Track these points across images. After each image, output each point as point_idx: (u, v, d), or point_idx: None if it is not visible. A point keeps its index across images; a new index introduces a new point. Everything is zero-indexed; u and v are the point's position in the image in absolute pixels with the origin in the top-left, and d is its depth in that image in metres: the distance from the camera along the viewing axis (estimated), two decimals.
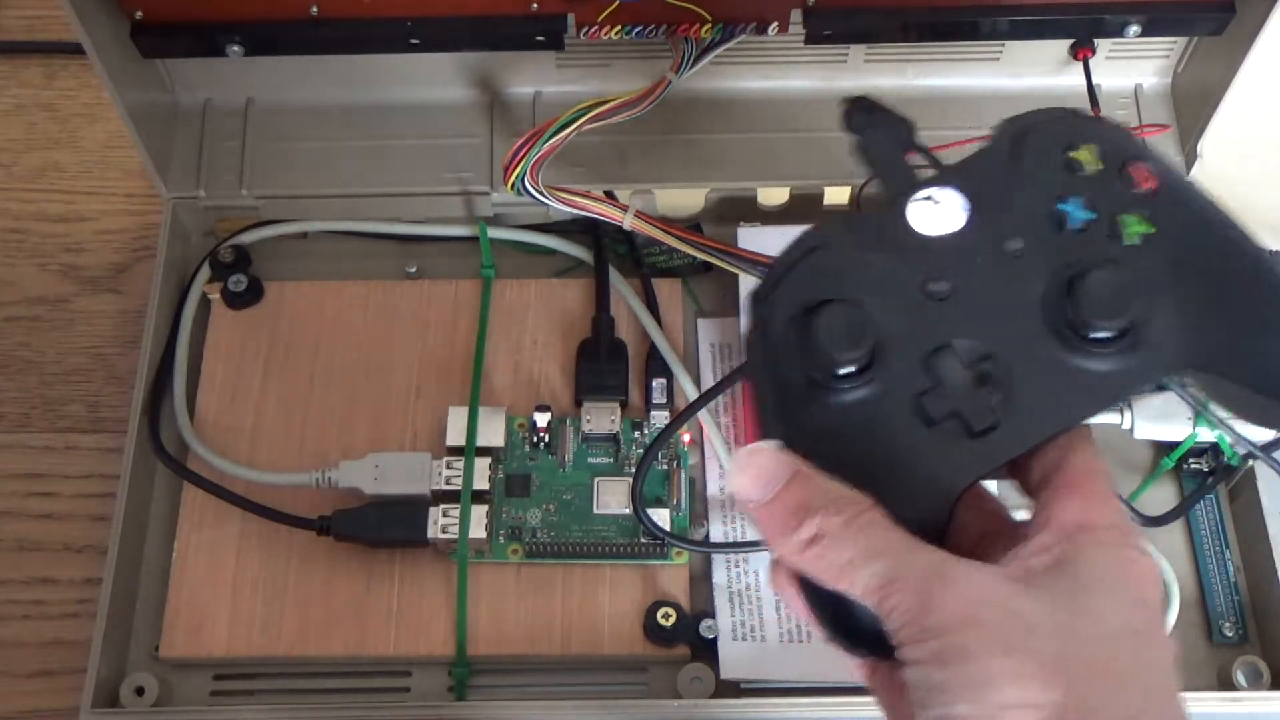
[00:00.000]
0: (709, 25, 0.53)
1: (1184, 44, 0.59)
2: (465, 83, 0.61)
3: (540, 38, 0.54)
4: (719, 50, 0.54)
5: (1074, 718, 0.29)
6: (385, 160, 0.60)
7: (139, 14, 0.53)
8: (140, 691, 0.51)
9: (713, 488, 0.55)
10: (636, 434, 0.55)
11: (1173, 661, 0.32)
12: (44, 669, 0.55)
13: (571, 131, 0.53)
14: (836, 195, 0.60)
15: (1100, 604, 0.31)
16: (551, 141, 0.52)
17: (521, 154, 0.53)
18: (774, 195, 0.60)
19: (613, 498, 0.54)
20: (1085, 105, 0.58)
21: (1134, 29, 0.55)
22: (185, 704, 0.52)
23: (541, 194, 0.54)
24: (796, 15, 0.53)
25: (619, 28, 0.52)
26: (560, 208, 0.55)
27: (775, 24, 0.53)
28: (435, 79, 0.60)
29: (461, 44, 0.56)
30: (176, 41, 0.55)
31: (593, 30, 0.52)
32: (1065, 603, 0.31)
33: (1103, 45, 0.59)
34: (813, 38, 0.54)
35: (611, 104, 0.53)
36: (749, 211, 0.60)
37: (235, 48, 0.54)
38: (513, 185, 0.53)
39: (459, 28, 0.54)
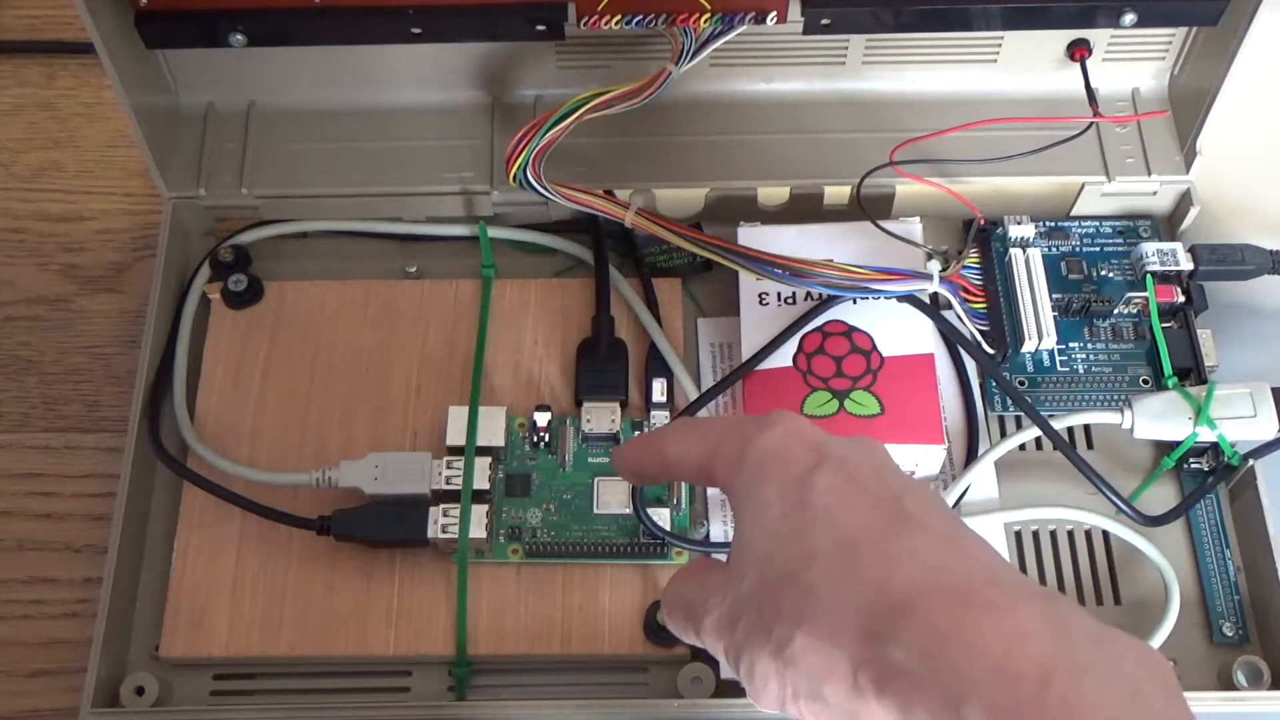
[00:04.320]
0: (708, 16, 0.53)
1: (1180, 43, 0.59)
2: (466, 84, 0.61)
3: (541, 27, 0.54)
4: (719, 42, 0.54)
5: (746, 600, 0.35)
6: (385, 160, 0.60)
7: (144, 1, 0.53)
8: (140, 691, 0.51)
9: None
10: (636, 434, 0.56)
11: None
12: (44, 669, 0.55)
13: (572, 122, 0.53)
14: (836, 195, 0.60)
15: (747, 519, 0.36)
16: (553, 132, 0.52)
17: (523, 144, 0.53)
18: (774, 195, 0.60)
19: (613, 498, 0.54)
20: (1084, 107, 0.58)
21: (1130, 17, 0.55)
22: (185, 704, 0.52)
23: (543, 187, 0.54)
24: (795, 6, 0.53)
25: (619, 17, 0.52)
26: (562, 202, 0.56)
27: (774, 14, 0.53)
28: (436, 80, 0.60)
29: (463, 33, 0.56)
30: (180, 31, 0.55)
31: (593, 20, 0.53)
32: (735, 542, 0.37)
33: (1099, 46, 0.59)
34: (811, 28, 0.54)
35: (612, 94, 0.53)
36: (749, 211, 0.60)
37: (238, 37, 0.54)
38: (514, 177, 0.53)
39: (460, 17, 0.54)
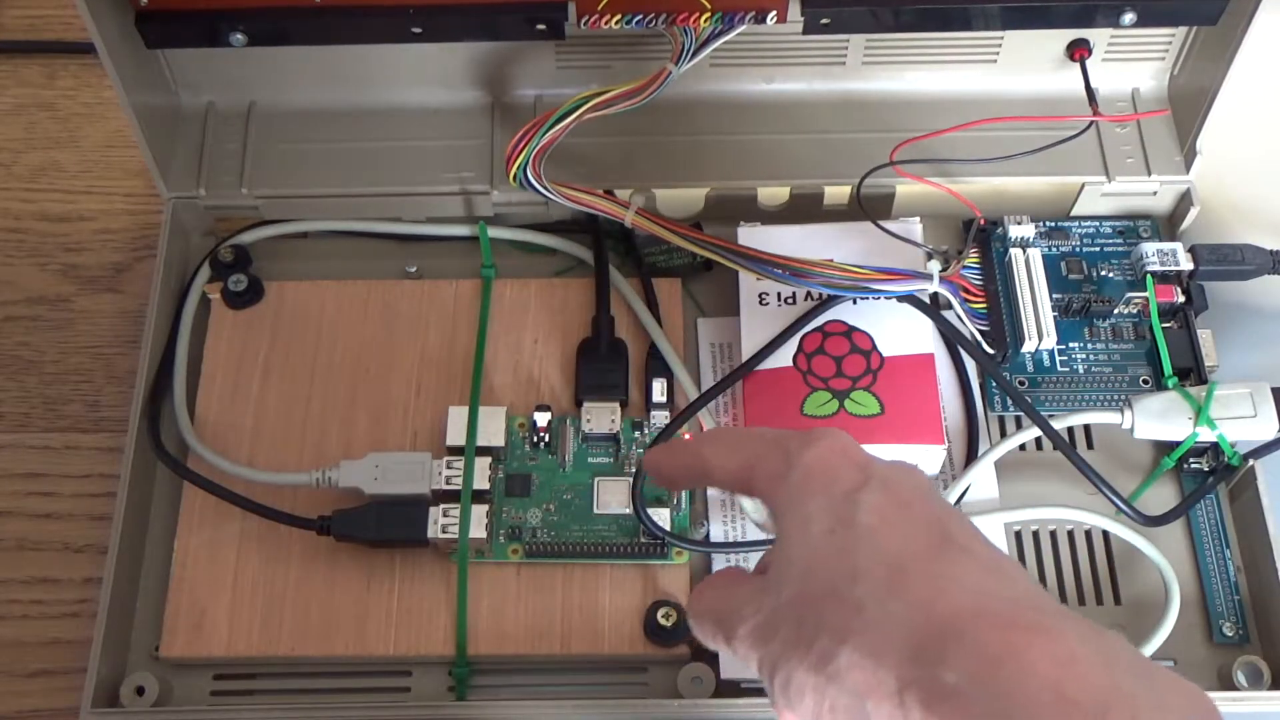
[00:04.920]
0: (708, 15, 0.53)
1: (1180, 43, 0.59)
2: (467, 85, 0.61)
3: (541, 27, 0.54)
4: (719, 42, 0.54)
5: (786, 612, 0.35)
6: (385, 160, 0.60)
7: (144, 1, 0.53)
8: (140, 691, 0.51)
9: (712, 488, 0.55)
10: (636, 434, 0.56)
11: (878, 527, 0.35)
12: (44, 669, 0.55)
13: (572, 122, 0.53)
14: (836, 195, 0.60)
15: (790, 533, 0.37)
16: (553, 131, 0.53)
17: (523, 144, 0.53)
18: (774, 195, 0.60)
19: (613, 498, 0.54)
20: (1084, 107, 0.58)
21: (1129, 17, 0.55)
22: (185, 704, 0.52)
23: (543, 187, 0.54)
24: (795, 6, 0.53)
25: (619, 17, 0.53)
26: (562, 202, 0.56)
27: (774, 14, 0.53)
28: (436, 80, 0.60)
29: (463, 33, 0.56)
30: (180, 31, 0.55)
31: (593, 19, 0.53)
32: (777, 554, 0.37)
33: (1099, 46, 0.59)
34: (811, 28, 0.54)
35: (612, 94, 0.53)
36: (749, 211, 0.60)
37: (238, 37, 0.54)
38: (514, 176, 0.53)
39: (460, 16, 0.54)
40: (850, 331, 0.55)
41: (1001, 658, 0.31)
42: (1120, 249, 0.59)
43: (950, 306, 0.56)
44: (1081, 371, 0.57)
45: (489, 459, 0.53)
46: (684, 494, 0.54)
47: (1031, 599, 0.33)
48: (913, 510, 0.35)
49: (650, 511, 0.52)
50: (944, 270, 0.55)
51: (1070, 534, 0.55)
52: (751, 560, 0.53)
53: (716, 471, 0.40)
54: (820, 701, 0.34)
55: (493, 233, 0.60)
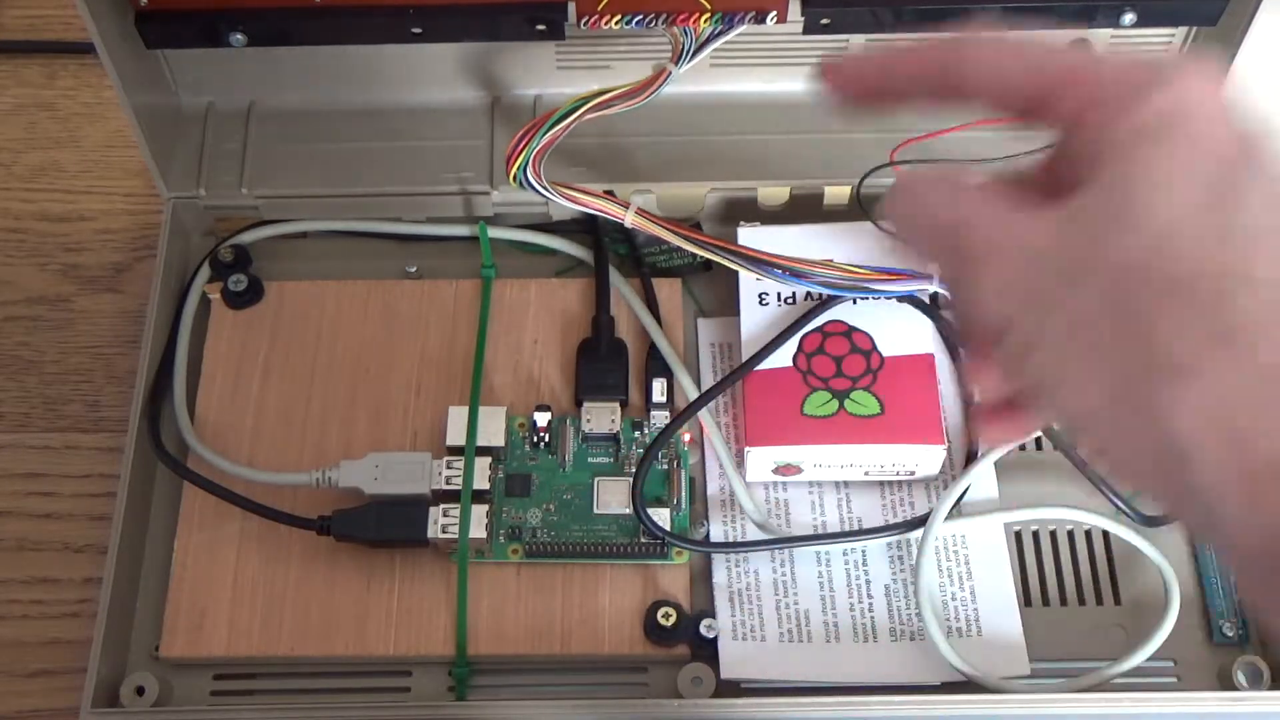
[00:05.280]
0: (708, 16, 0.53)
1: (1181, 44, 0.59)
2: (466, 85, 0.61)
3: (541, 27, 0.54)
4: (719, 42, 0.54)
5: (1111, 276, 0.27)
6: (385, 160, 0.60)
7: (144, 1, 0.53)
8: (140, 691, 0.51)
9: (713, 487, 0.55)
10: (636, 434, 0.56)
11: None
12: (44, 669, 0.55)
13: (572, 122, 0.53)
14: (836, 195, 0.60)
15: (1134, 183, 0.28)
16: (552, 132, 0.52)
17: (523, 144, 0.53)
18: (774, 195, 0.60)
19: (613, 498, 0.54)
20: None
21: (1130, 17, 0.55)
22: (185, 704, 0.52)
23: (543, 187, 0.54)
24: (795, 6, 0.53)
25: (619, 17, 0.53)
26: (562, 202, 0.56)
27: (774, 14, 0.53)
28: (436, 81, 0.60)
29: (463, 33, 0.56)
30: (180, 31, 0.55)
31: (593, 20, 0.53)
32: (1103, 197, 0.28)
33: (1099, 46, 0.59)
34: (811, 28, 0.54)
35: (612, 94, 0.53)
36: (749, 211, 0.60)
37: (238, 37, 0.54)
38: (514, 176, 0.53)
39: (460, 17, 0.54)
40: (850, 331, 0.55)
41: None
42: None
43: (950, 306, 0.56)
44: None
45: (489, 459, 0.53)
46: (684, 494, 0.54)
47: None
48: None
49: (650, 511, 0.52)
50: None
51: (1070, 534, 0.55)
52: (752, 560, 0.53)
53: (990, 75, 0.31)
54: (1114, 434, 0.26)
55: (493, 233, 0.60)
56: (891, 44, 0.33)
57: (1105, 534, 0.54)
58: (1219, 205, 0.27)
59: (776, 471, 0.54)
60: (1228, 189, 0.27)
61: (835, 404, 0.53)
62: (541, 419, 0.54)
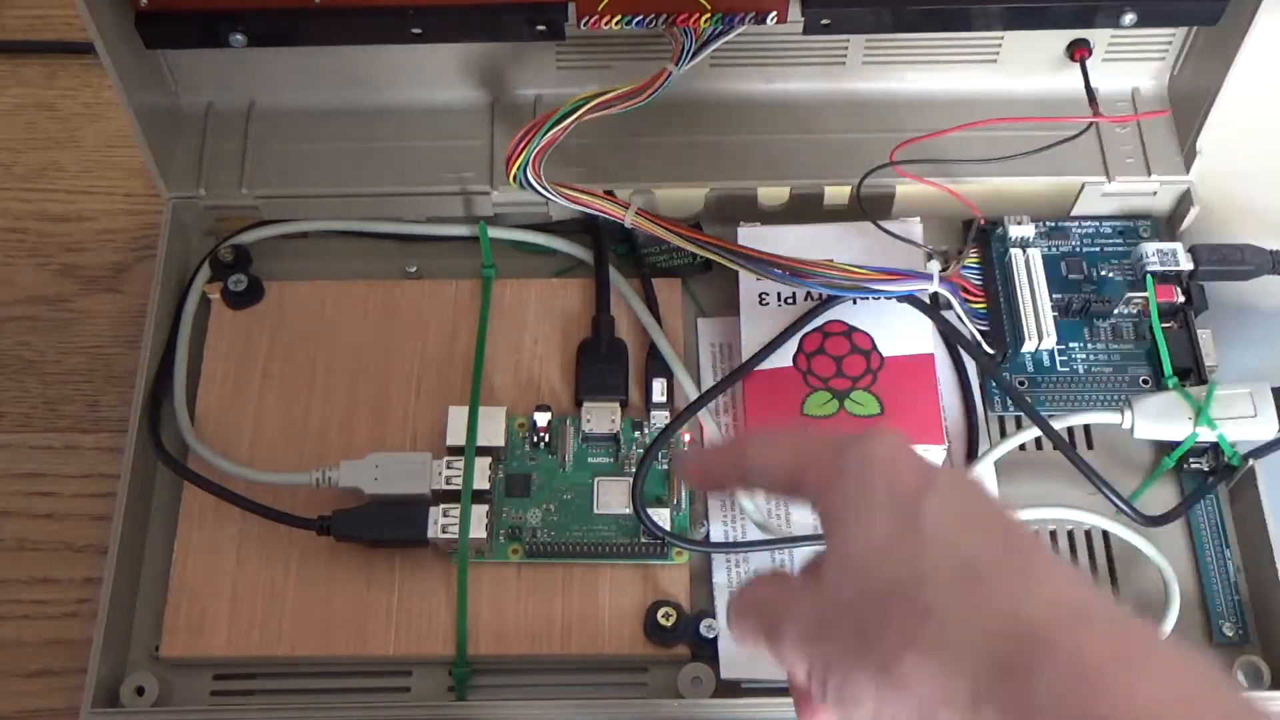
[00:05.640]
0: (708, 16, 0.53)
1: (1180, 43, 0.59)
2: (466, 85, 0.61)
3: (541, 27, 0.54)
4: (719, 42, 0.54)
5: (843, 613, 0.34)
6: (385, 160, 0.60)
7: (144, 1, 0.53)
8: (140, 691, 0.51)
9: None
10: (636, 434, 0.56)
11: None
12: (44, 669, 0.55)
13: (572, 122, 0.53)
14: (836, 195, 0.60)
15: (847, 534, 0.35)
16: (553, 132, 0.53)
17: (523, 145, 0.53)
18: (774, 195, 0.60)
19: (613, 498, 0.54)
20: (1084, 108, 0.58)
21: (1129, 17, 0.55)
22: (185, 704, 0.52)
23: (543, 187, 0.54)
24: (795, 6, 0.53)
25: (619, 17, 0.53)
26: (562, 203, 0.56)
27: (774, 14, 0.53)
28: (436, 81, 0.60)
29: (463, 33, 0.56)
30: (180, 31, 0.55)
31: (593, 20, 0.53)
32: (832, 556, 0.35)
33: (1099, 46, 0.59)
34: (811, 28, 0.54)
35: (612, 94, 0.53)
36: (749, 211, 0.60)
37: (238, 37, 0.54)
38: (514, 177, 0.53)
39: (460, 16, 0.54)
40: (850, 331, 0.55)
41: (1101, 669, 0.29)
42: (1120, 249, 0.59)
43: (950, 306, 0.56)
44: (1081, 371, 0.57)
45: (489, 459, 0.53)
46: (683, 494, 0.54)
47: (1123, 614, 0.32)
48: (980, 517, 0.34)
49: (650, 511, 0.52)
50: (944, 270, 0.55)
51: (1070, 534, 0.55)
52: (752, 560, 0.53)
53: (761, 473, 0.39)
54: (880, 706, 0.32)
55: (493, 233, 0.60)
56: (715, 446, 0.45)
57: (1105, 534, 0.54)
58: (903, 529, 0.34)
59: None
60: (907, 514, 0.34)
61: (835, 404, 0.53)
62: (541, 419, 0.54)
